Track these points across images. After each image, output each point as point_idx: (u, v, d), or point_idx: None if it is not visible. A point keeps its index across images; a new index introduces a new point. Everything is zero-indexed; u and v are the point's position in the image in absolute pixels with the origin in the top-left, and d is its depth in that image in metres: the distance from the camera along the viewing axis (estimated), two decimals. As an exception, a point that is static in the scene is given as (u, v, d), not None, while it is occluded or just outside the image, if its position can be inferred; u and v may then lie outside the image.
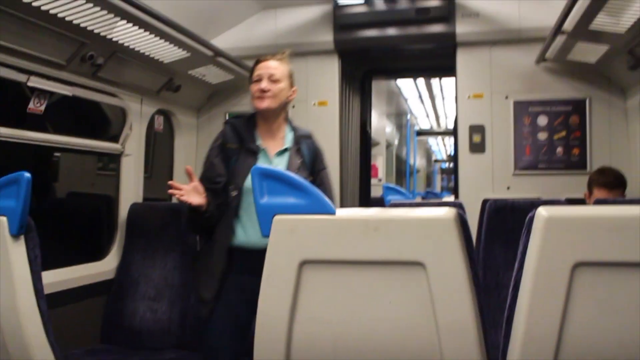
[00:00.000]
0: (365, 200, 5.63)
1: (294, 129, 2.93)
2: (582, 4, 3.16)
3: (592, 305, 1.45)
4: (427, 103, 11.73)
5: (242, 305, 2.72)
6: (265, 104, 2.76)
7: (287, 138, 2.89)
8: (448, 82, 9.18)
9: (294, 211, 1.63)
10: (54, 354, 1.91)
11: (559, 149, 4.52)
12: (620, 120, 4.42)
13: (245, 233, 2.72)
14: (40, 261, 1.96)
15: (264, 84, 2.77)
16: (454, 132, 4.91)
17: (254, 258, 2.64)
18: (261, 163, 2.75)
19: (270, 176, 1.66)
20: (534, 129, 4.56)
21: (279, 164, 2.79)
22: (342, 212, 1.62)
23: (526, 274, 1.51)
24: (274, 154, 2.82)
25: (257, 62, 2.87)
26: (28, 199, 1.87)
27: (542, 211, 1.48)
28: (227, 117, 4.76)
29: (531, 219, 1.52)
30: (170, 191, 2.57)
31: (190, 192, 2.60)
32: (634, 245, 1.41)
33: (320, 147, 3.00)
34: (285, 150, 2.84)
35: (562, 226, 1.46)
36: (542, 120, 4.55)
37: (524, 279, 1.52)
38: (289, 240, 1.62)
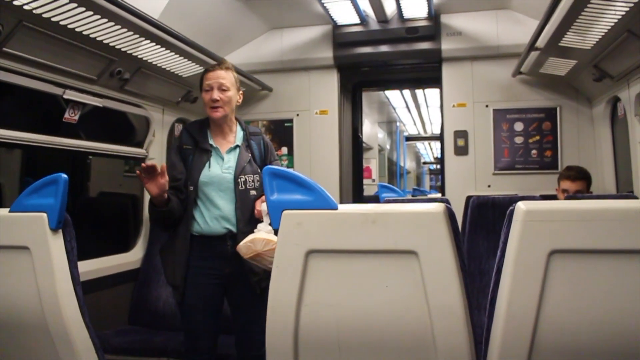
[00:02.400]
0: (358, 197, 5.66)
1: (244, 128, 2.90)
2: (553, 23, 3.16)
3: (566, 287, 1.45)
4: (413, 111, 11.71)
5: (210, 287, 2.74)
6: (219, 113, 2.74)
7: (237, 136, 2.87)
8: (432, 92, 9.17)
9: (300, 206, 1.63)
10: (90, 334, 1.91)
11: (534, 152, 4.54)
12: (587, 125, 4.43)
13: (204, 222, 2.72)
14: (76, 252, 1.96)
15: (215, 94, 2.73)
16: (440, 137, 4.93)
17: (214, 244, 2.68)
18: (214, 159, 2.76)
19: (280, 176, 1.66)
20: (511, 133, 4.57)
21: (230, 160, 2.78)
22: (344, 207, 1.63)
23: (507, 261, 1.51)
24: (225, 151, 2.80)
25: (206, 71, 2.82)
26: (65, 197, 1.87)
27: (521, 205, 1.48)
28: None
29: (511, 212, 1.52)
30: (137, 168, 2.57)
31: (152, 180, 2.56)
32: (603, 234, 1.42)
33: (270, 142, 2.99)
34: (236, 147, 2.83)
35: (539, 218, 1.46)
36: (519, 126, 4.56)
37: (505, 265, 1.52)
38: (297, 232, 1.62)
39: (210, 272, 2.72)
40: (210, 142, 2.81)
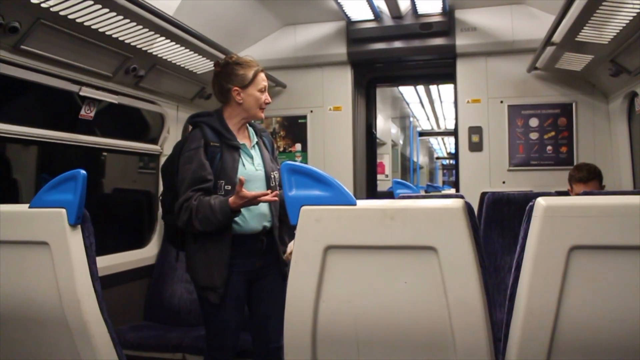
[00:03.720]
0: (372, 193, 5.65)
1: (251, 124, 2.89)
2: (570, 18, 3.14)
3: (586, 284, 1.44)
4: (427, 107, 11.67)
5: (242, 285, 2.72)
6: (263, 115, 2.82)
7: (252, 133, 2.86)
8: (446, 87, 9.12)
9: (319, 202, 1.62)
10: (108, 328, 1.93)
11: (549, 148, 4.50)
12: (604, 121, 4.39)
13: (244, 221, 2.67)
14: (95, 248, 1.97)
15: (269, 97, 2.79)
16: (454, 133, 4.91)
17: (250, 241, 2.67)
18: (243, 157, 2.73)
19: (298, 171, 1.66)
20: (526, 129, 4.54)
21: (257, 156, 2.79)
22: (362, 203, 1.62)
23: (527, 257, 1.50)
24: (250, 147, 2.80)
25: (260, 71, 2.78)
26: (84, 193, 1.88)
27: (540, 201, 1.47)
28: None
29: (531, 208, 1.51)
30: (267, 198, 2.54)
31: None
32: (624, 230, 1.41)
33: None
34: (257, 143, 2.83)
35: (559, 214, 1.45)
36: (534, 122, 4.53)
37: (525, 261, 1.51)
38: (315, 228, 1.62)
39: (245, 269, 2.70)
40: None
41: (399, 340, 1.60)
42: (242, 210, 2.62)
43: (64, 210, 1.87)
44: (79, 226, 1.91)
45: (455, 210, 1.51)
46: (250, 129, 2.87)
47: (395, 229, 1.55)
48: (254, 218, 2.68)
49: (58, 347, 1.94)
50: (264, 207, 2.71)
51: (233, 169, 2.66)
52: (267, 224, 2.73)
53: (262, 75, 2.78)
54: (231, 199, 2.51)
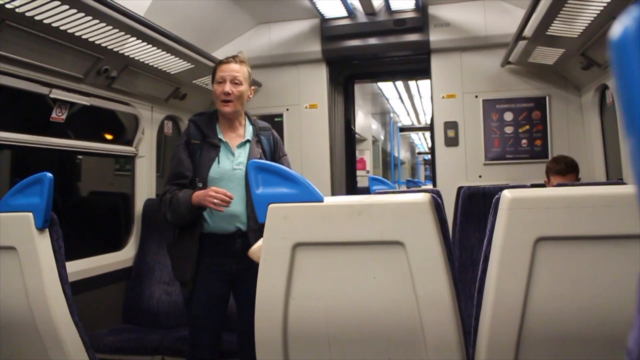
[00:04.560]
0: (352, 189, 5.67)
1: (253, 122, 2.85)
2: (540, 12, 3.17)
3: (552, 274, 1.46)
4: (406, 102, 11.71)
5: (217, 284, 2.70)
6: (229, 108, 2.69)
7: (247, 131, 2.81)
8: (425, 83, 9.15)
9: (286, 200, 1.62)
10: (79, 332, 1.91)
11: (524, 141, 4.54)
12: (577, 114, 4.44)
13: (213, 220, 2.66)
14: (64, 251, 1.95)
15: (227, 87, 2.67)
16: (430, 128, 4.93)
17: (223, 241, 2.62)
18: (223, 155, 2.69)
19: (265, 169, 1.65)
20: (501, 123, 4.57)
21: (241, 155, 2.72)
22: (329, 200, 1.62)
23: (494, 249, 1.52)
24: (236, 146, 2.74)
25: (220, 63, 2.76)
26: (51, 196, 1.86)
27: (506, 193, 1.49)
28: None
29: (497, 200, 1.52)
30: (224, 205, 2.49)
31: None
32: (588, 221, 1.42)
33: (279, 137, 2.93)
34: (247, 142, 2.77)
35: (524, 206, 1.46)
36: (508, 116, 4.56)
37: (492, 253, 1.52)
38: (283, 225, 1.62)
39: (218, 269, 2.68)
40: (220, 136, 2.74)
41: (369, 335, 1.60)
42: (211, 209, 2.60)
43: (30, 214, 1.85)
44: (47, 230, 1.89)
45: (422, 204, 1.52)
46: (250, 127, 2.83)
47: (362, 224, 1.55)
48: (224, 218, 2.64)
49: (28, 352, 1.92)
50: (236, 208, 2.63)
51: (206, 167, 2.66)
52: (242, 226, 2.66)
53: (222, 67, 2.73)
54: (194, 194, 2.54)
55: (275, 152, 2.86)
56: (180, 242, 2.71)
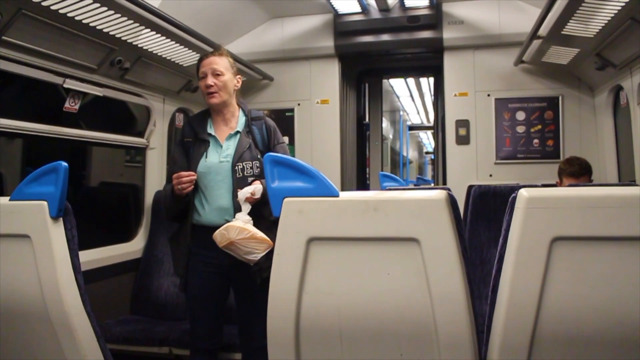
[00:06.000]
0: (363, 185, 5.66)
1: (246, 113, 2.85)
2: (556, 12, 3.14)
3: (568, 275, 1.45)
4: (417, 100, 11.68)
5: (211, 276, 2.73)
6: (215, 99, 2.72)
7: (239, 122, 2.82)
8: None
9: (301, 194, 1.62)
10: (91, 321, 1.91)
11: (535, 141, 4.52)
12: (589, 115, 4.42)
13: (205, 213, 2.69)
14: (77, 240, 1.95)
15: (209, 80, 2.70)
16: (442, 127, 4.91)
17: (212, 234, 2.60)
18: (212, 149, 2.73)
19: (281, 163, 1.65)
20: (513, 123, 4.56)
21: (229, 147, 2.73)
22: (345, 195, 1.62)
23: (509, 248, 1.51)
24: (224, 138, 2.76)
25: (200, 59, 2.80)
26: (66, 185, 1.86)
27: (523, 192, 1.48)
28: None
29: (514, 199, 1.51)
30: (188, 185, 2.59)
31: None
32: (605, 221, 1.41)
33: (274, 125, 2.89)
34: (237, 133, 2.78)
35: (541, 205, 1.45)
36: (520, 115, 4.55)
37: (508, 252, 1.51)
38: (298, 219, 1.61)
39: (211, 261, 2.71)
40: (210, 131, 2.78)
41: (382, 331, 1.60)
42: (202, 201, 2.70)
43: (45, 203, 1.85)
44: (61, 219, 1.89)
45: (438, 201, 1.51)
46: (244, 117, 2.83)
47: (378, 220, 1.55)
48: (213, 211, 2.67)
49: (40, 340, 1.92)
50: (224, 201, 2.66)
51: (195, 162, 2.72)
52: (230, 219, 2.63)
53: (202, 62, 2.77)
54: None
55: (269, 141, 2.84)
56: (176, 236, 2.80)
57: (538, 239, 1.45)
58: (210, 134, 2.77)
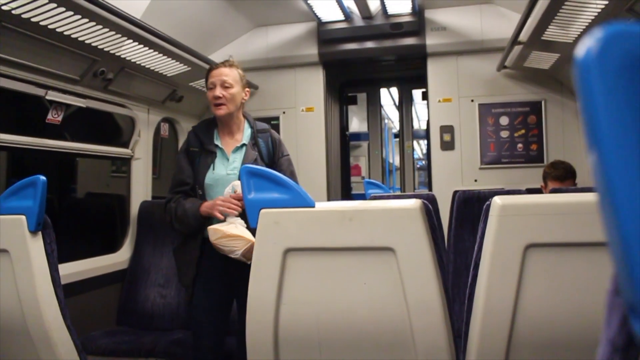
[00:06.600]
0: (347, 194, 5.67)
1: (252, 125, 2.85)
2: (535, 17, 3.18)
3: (542, 281, 1.46)
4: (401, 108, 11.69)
5: (218, 286, 2.72)
6: (222, 111, 2.70)
7: (245, 134, 2.82)
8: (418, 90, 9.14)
9: (278, 205, 1.62)
10: (71, 335, 1.91)
11: (519, 145, 4.55)
12: (572, 118, 4.45)
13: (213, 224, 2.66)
14: (57, 254, 1.95)
15: (218, 91, 2.69)
16: (426, 133, 4.94)
17: None
18: (219, 160, 2.72)
19: (257, 174, 1.65)
20: (497, 128, 4.58)
21: (236, 160, 2.73)
22: (321, 205, 1.62)
23: (484, 255, 1.52)
24: (231, 150, 2.76)
25: (210, 70, 2.79)
26: (44, 199, 1.86)
27: (497, 199, 1.49)
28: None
29: (488, 207, 1.52)
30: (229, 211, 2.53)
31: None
32: (578, 227, 1.43)
33: (279, 138, 2.91)
34: (243, 145, 2.78)
35: (514, 212, 1.47)
36: (504, 120, 4.58)
37: (483, 259, 1.53)
38: (274, 230, 1.62)
39: (218, 272, 2.70)
40: (216, 142, 2.77)
41: (360, 340, 1.60)
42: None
43: (23, 217, 1.85)
44: (40, 233, 1.89)
45: (412, 210, 1.52)
46: (249, 129, 2.84)
47: (353, 230, 1.56)
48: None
49: (20, 355, 1.91)
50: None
51: (202, 173, 2.71)
52: None
53: (212, 73, 2.76)
54: (202, 205, 2.60)
55: (274, 154, 2.85)
56: (184, 247, 2.76)
57: (512, 246, 1.46)
58: (217, 146, 2.76)
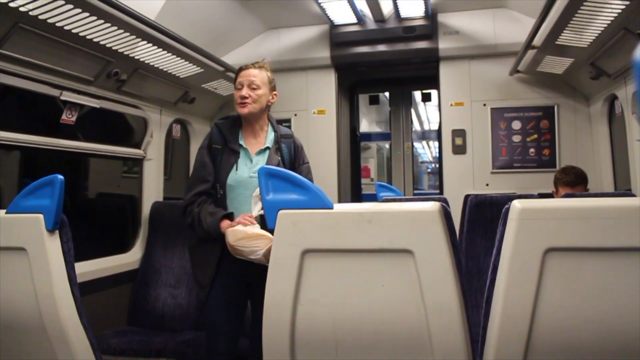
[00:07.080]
0: (357, 196, 5.66)
1: (275, 129, 2.86)
2: (550, 22, 3.17)
3: (561, 285, 1.45)
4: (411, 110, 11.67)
5: (235, 288, 2.72)
6: (246, 109, 2.71)
7: (268, 138, 2.82)
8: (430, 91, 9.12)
9: (296, 206, 1.63)
10: (87, 334, 1.91)
11: (531, 150, 4.53)
12: (585, 123, 4.43)
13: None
14: (73, 253, 1.96)
15: (244, 91, 2.71)
16: (438, 136, 4.93)
17: None
18: (242, 161, 2.72)
19: (275, 175, 1.66)
20: (509, 132, 4.57)
21: (259, 162, 2.73)
22: (339, 207, 1.63)
23: (503, 259, 1.51)
24: (255, 152, 2.76)
25: (240, 70, 2.80)
26: (62, 198, 1.87)
27: (516, 203, 1.49)
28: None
29: (507, 210, 1.52)
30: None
31: None
32: (598, 232, 1.42)
33: (301, 144, 2.93)
34: (266, 149, 2.78)
35: (534, 216, 1.46)
36: (516, 125, 4.56)
37: (501, 263, 1.52)
38: (292, 232, 1.62)
39: (237, 273, 2.69)
40: (241, 142, 2.77)
41: (377, 342, 1.60)
42: (230, 211, 2.68)
43: (41, 216, 1.86)
44: (57, 231, 1.90)
45: (432, 213, 1.52)
46: (273, 133, 2.84)
47: (372, 232, 1.55)
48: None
49: (36, 353, 1.92)
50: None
51: (225, 172, 2.70)
52: None
53: (241, 73, 2.77)
54: (222, 225, 2.60)
55: (295, 160, 2.86)
56: (202, 246, 2.74)
57: (531, 250, 1.46)
58: (241, 145, 2.76)
